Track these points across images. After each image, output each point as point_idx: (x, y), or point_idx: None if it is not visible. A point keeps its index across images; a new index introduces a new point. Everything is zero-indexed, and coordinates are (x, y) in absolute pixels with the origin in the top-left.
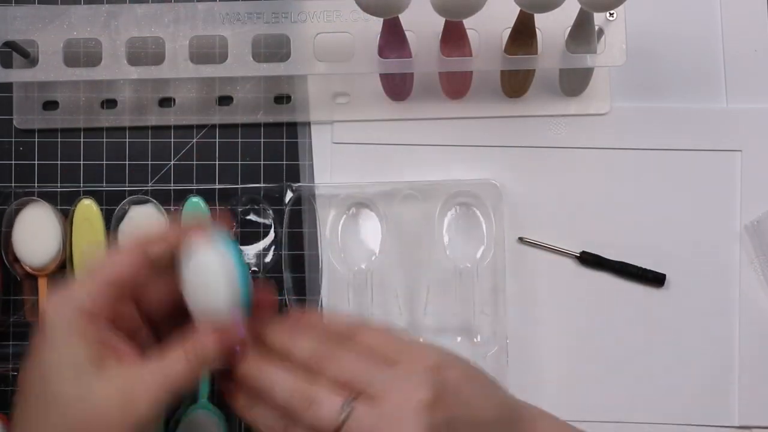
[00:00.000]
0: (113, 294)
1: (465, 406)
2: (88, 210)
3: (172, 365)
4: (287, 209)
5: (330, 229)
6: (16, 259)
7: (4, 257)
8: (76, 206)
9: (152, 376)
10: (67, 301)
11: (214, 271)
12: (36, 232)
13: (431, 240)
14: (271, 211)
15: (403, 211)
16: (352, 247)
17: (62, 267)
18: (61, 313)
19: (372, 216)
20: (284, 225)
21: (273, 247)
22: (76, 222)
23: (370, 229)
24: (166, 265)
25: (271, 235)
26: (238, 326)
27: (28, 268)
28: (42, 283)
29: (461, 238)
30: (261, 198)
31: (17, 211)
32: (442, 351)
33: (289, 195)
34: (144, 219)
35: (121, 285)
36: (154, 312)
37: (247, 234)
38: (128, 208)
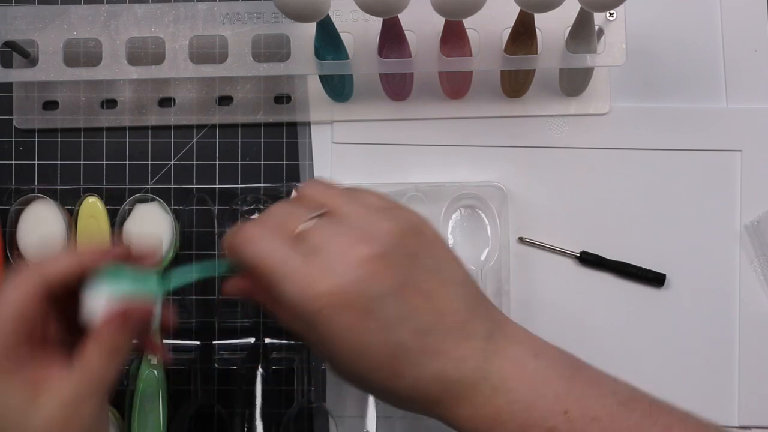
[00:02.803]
0: (22, 331)
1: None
2: (93, 207)
3: (94, 366)
4: None
5: None
6: (21, 257)
7: (8, 255)
8: (81, 203)
9: (82, 384)
10: None
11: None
12: (41, 230)
13: None
14: None
15: None
16: None
17: None
18: None
19: None
20: None
21: None
22: (81, 219)
23: None
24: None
25: None
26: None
27: None
28: None
29: (466, 240)
30: (264, 197)
31: (21, 209)
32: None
33: (292, 195)
34: (149, 217)
35: (28, 320)
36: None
37: None
38: (133, 207)
